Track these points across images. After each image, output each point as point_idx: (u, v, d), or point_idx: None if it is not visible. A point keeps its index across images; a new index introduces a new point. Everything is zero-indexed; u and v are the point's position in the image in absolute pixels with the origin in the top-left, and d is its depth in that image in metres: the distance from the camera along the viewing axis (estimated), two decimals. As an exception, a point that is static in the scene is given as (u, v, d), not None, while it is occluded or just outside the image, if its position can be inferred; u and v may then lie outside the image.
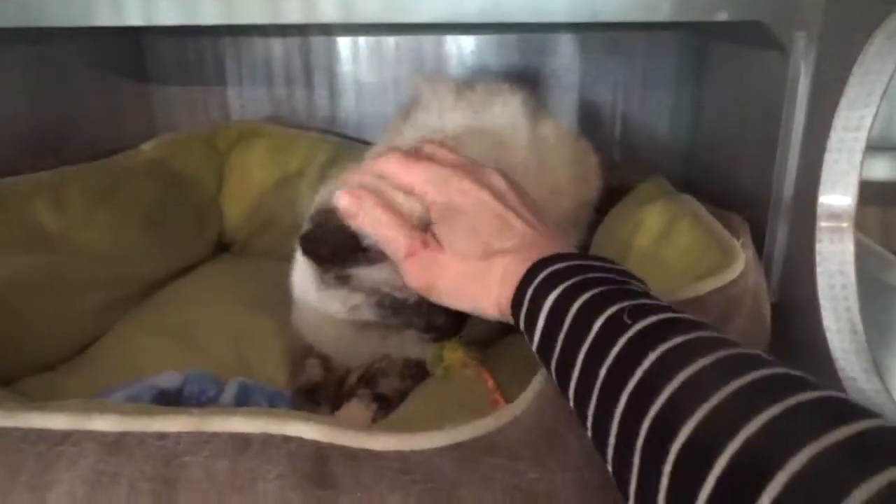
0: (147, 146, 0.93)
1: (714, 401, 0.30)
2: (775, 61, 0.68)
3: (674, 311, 0.38)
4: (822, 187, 0.59)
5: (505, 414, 0.42)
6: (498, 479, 0.38)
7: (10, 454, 0.38)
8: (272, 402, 0.64)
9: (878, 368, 0.58)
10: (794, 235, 0.67)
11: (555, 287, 0.41)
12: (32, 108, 0.90)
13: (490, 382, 0.63)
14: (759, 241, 0.70)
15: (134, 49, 1.14)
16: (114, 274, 0.81)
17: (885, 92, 0.53)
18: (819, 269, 0.61)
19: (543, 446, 0.40)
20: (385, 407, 0.64)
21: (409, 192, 0.52)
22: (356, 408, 0.64)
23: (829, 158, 0.58)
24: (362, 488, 0.37)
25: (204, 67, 1.16)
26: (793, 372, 0.31)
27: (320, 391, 0.67)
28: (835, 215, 0.60)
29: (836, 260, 0.61)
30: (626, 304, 0.38)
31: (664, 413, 0.32)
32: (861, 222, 0.61)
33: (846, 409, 0.29)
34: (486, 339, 0.67)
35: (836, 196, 0.59)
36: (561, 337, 0.40)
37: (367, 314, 0.60)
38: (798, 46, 0.63)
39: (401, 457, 0.39)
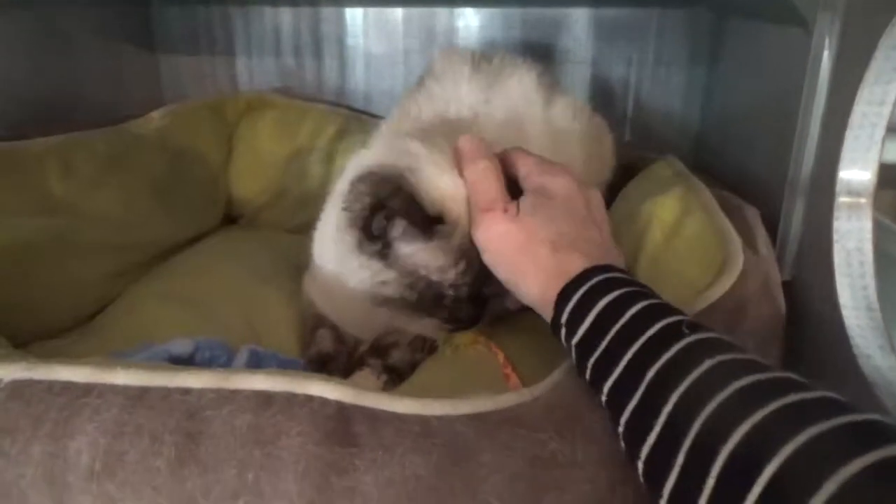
0: (156, 114, 0.92)
1: (764, 412, 0.32)
2: (796, 38, 0.67)
3: (723, 334, 0.40)
4: (842, 163, 0.58)
5: (527, 393, 0.42)
6: (519, 448, 0.38)
7: (33, 405, 0.38)
8: (284, 369, 0.64)
9: (893, 345, 0.57)
10: (811, 213, 0.66)
11: (611, 291, 0.44)
12: (39, 76, 0.89)
13: (501, 356, 0.63)
14: (773, 220, 0.70)
15: (142, 18, 1.13)
16: (122, 240, 0.80)
17: (911, 66, 0.53)
18: (836, 247, 0.61)
19: (565, 422, 0.40)
20: (395, 378, 0.64)
21: (510, 170, 0.56)
22: (366, 377, 0.64)
23: (851, 134, 0.57)
24: (384, 448, 0.36)
25: (213, 37, 1.15)
26: (834, 396, 0.33)
27: (331, 361, 0.67)
28: (854, 191, 0.59)
29: (853, 237, 0.60)
30: (682, 318, 0.40)
31: (716, 418, 0.33)
32: (878, 204, 0.60)
33: (881, 432, 0.30)
34: (496, 315, 0.67)
35: (856, 171, 0.58)
36: (612, 333, 0.41)
37: (393, 292, 0.60)
38: (822, 22, 0.62)
39: (422, 420, 0.39)
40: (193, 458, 0.36)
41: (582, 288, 0.45)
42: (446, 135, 0.61)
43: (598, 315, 0.43)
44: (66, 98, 0.94)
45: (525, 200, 0.52)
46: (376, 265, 0.59)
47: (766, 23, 0.79)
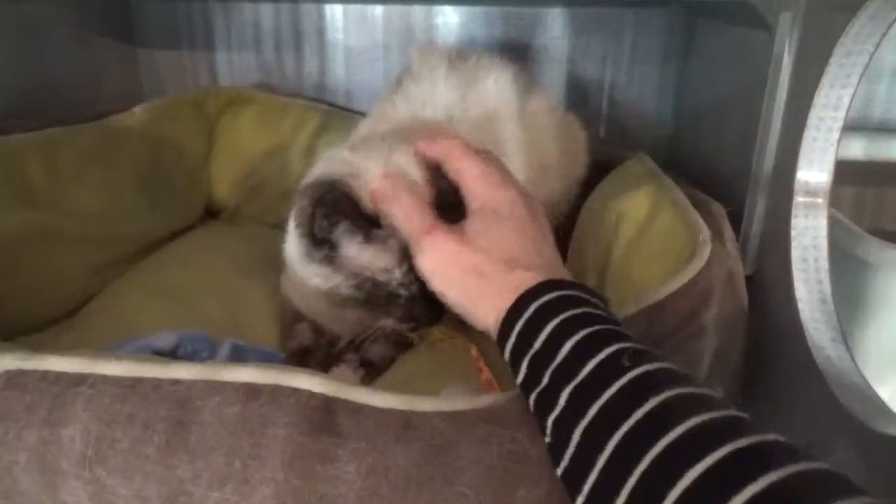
0: (137, 108, 0.92)
1: (714, 458, 0.31)
2: (761, 40, 0.69)
3: (663, 361, 0.38)
4: (800, 164, 0.61)
5: (503, 396, 0.43)
6: (494, 444, 0.40)
7: (27, 393, 0.39)
8: (265, 362, 0.65)
9: (844, 337, 0.60)
10: (772, 211, 0.69)
11: (554, 316, 0.41)
12: (17, 70, 0.89)
13: (474, 350, 0.65)
14: (739, 217, 0.72)
15: (121, 12, 1.12)
16: (105, 234, 0.81)
17: (864, 73, 0.55)
18: (793, 243, 0.63)
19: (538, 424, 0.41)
20: (372, 372, 0.66)
21: (454, 177, 0.53)
22: (344, 372, 0.66)
23: (808, 136, 0.60)
24: (366, 438, 0.38)
25: (193, 32, 1.15)
26: (787, 442, 0.32)
27: (311, 355, 0.69)
28: (811, 191, 0.62)
29: (810, 234, 0.63)
30: (624, 346, 0.38)
31: (663, 460, 0.32)
32: (836, 200, 0.63)
33: (839, 486, 0.30)
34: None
35: (813, 173, 0.61)
36: (552, 367, 0.40)
37: (346, 292, 0.61)
38: (783, 26, 0.64)
39: (403, 415, 0.40)
40: (183, 446, 0.38)
41: (522, 317, 0.43)
42: (419, 137, 0.61)
43: (536, 353, 0.41)
44: (45, 92, 0.93)
45: (473, 219, 0.50)
46: (325, 270, 0.60)
47: (734, 25, 0.82)
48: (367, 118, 0.78)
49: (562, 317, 0.41)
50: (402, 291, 0.59)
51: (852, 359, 0.59)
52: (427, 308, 0.59)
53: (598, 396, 0.36)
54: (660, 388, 0.35)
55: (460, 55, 0.80)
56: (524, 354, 0.42)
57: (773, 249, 0.68)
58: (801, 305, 0.62)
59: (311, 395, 0.40)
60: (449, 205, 0.53)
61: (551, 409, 0.38)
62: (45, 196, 0.75)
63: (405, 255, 0.57)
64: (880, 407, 0.55)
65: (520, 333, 0.43)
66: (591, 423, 0.36)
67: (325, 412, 0.39)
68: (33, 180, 0.74)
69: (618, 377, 0.36)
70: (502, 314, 0.44)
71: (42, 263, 0.72)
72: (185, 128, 0.99)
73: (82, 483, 0.38)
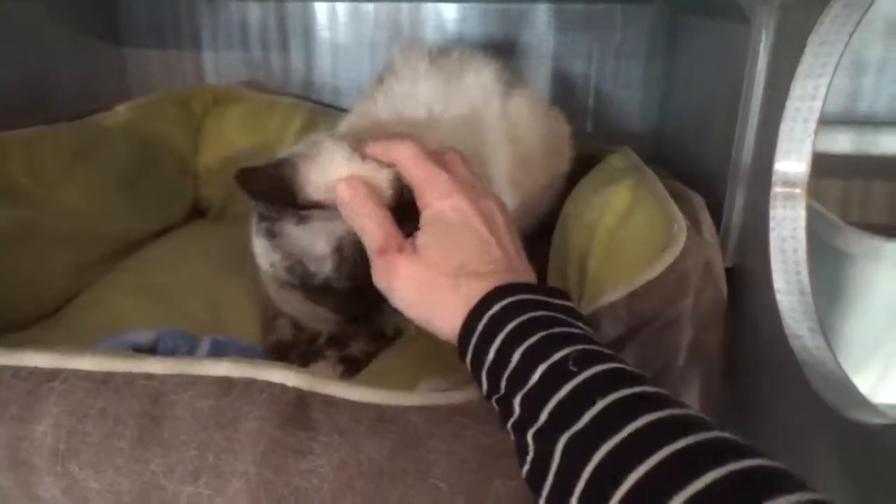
0: (122, 107, 0.92)
1: (657, 458, 0.31)
2: (741, 34, 0.69)
3: (615, 361, 0.39)
4: (778, 155, 0.61)
5: (476, 391, 0.43)
6: (468, 437, 0.40)
7: (1, 389, 0.39)
8: (245, 357, 0.65)
9: (822, 328, 0.60)
10: (751, 203, 0.69)
11: (506, 323, 0.42)
12: (3, 68, 0.88)
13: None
14: (721, 210, 0.72)
15: (108, 10, 1.12)
16: (88, 232, 0.80)
17: (839, 62, 0.55)
18: (772, 234, 0.63)
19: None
20: (352, 369, 0.65)
21: (407, 182, 0.53)
22: (323, 369, 0.65)
23: (785, 127, 0.60)
24: (339, 431, 0.38)
25: (179, 30, 1.14)
26: (730, 437, 0.33)
27: (290, 350, 0.68)
28: (789, 182, 0.62)
29: (788, 225, 0.63)
30: (573, 349, 0.39)
31: (606, 464, 0.33)
32: (822, 193, 0.63)
33: (782, 481, 0.30)
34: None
35: (791, 163, 0.61)
36: (504, 377, 0.40)
37: (282, 275, 0.60)
38: (760, 18, 0.64)
39: (377, 409, 0.40)
40: (156, 440, 0.37)
41: (475, 332, 0.43)
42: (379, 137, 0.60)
43: (490, 364, 0.41)
44: (31, 90, 0.93)
45: (421, 232, 0.50)
46: (265, 245, 0.60)
47: (715, 18, 0.82)
48: (348, 116, 0.78)
49: (512, 324, 0.41)
50: (333, 284, 0.58)
51: (830, 349, 0.59)
52: (358, 305, 0.57)
53: (546, 402, 0.37)
54: (605, 391, 0.36)
55: (442, 51, 0.79)
56: (481, 367, 0.42)
57: (753, 241, 0.68)
58: (779, 296, 0.62)
59: (284, 388, 0.40)
60: (412, 209, 0.52)
61: (510, 415, 0.39)
62: (28, 194, 0.74)
63: (339, 248, 0.56)
64: (858, 398, 0.55)
65: (475, 347, 0.43)
66: (542, 428, 0.37)
67: (299, 406, 0.39)
68: (15, 178, 0.74)
69: (566, 381, 0.37)
70: (457, 330, 0.45)
71: (24, 262, 0.72)
72: (170, 126, 0.98)
73: (55, 478, 0.37)
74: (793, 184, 0.62)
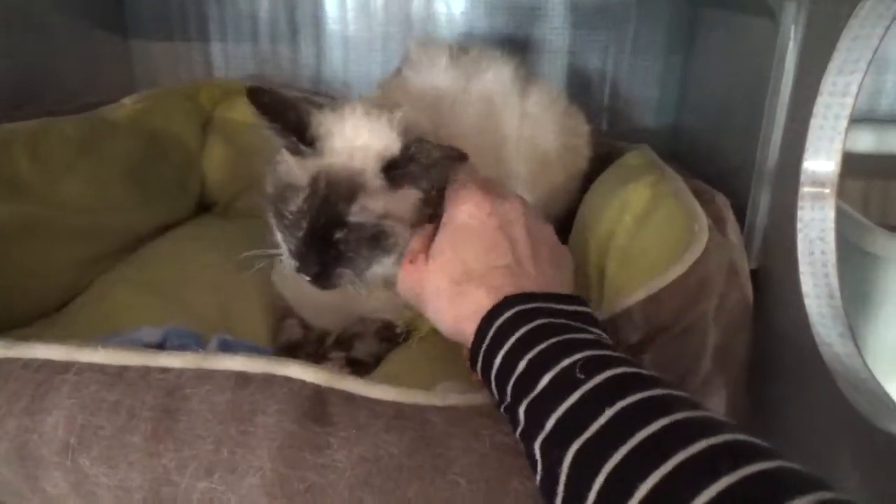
0: (128, 100, 0.92)
1: (670, 465, 0.31)
2: (765, 28, 0.69)
3: (627, 365, 0.38)
4: (807, 153, 0.61)
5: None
6: (486, 436, 0.40)
7: (10, 381, 0.39)
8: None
9: (853, 333, 0.59)
10: (777, 203, 0.68)
11: (513, 333, 0.42)
12: (9, 59, 0.89)
13: (465, 351, 0.64)
14: (742, 209, 0.72)
15: (114, 2, 1.12)
16: (93, 226, 0.81)
17: (872, 58, 0.55)
18: (800, 236, 0.63)
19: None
20: (359, 371, 0.65)
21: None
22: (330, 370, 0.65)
23: (815, 124, 0.60)
24: (358, 427, 0.38)
25: (186, 22, 1.15)
26: (747, 439, 0.33)
27: (299, 351, 0.69)
28: (818, 181, 0.62)
29: (816, 227, 0.63)
30: (580, 357, 0.39)
31: (619, 471, 0.33)
32: (843, 193, 0.63)
33: (799, 481, 0.30)
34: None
35: (820, 162, 0.61)
36: (510, 384, 0.40)
37: (270, 193, 0.62)
38: (788, 12, 0.64)
39: (396, 406, 0.40)
40: (170, 434, 0.37)
41: (486, 337, 0.44)
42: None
43: (498, 369, 0.42)
44: (37, 82, 0.93)
45: (436, 241, 0.53)
46: (273, 173, 0.63)
47: (738, 14, 0.82)
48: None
49: (520, 332, 0.42)
50: (303, 224, 0.59)
51: (861, 355, 0.59)
52: (312, 252, 0.58)
53: (553, 410, 0.37)
54: (615, 397, 0.36)
55: (461, 48, 0.80)
56: (489, 375, 0.43)
57: (778, 243, 0.67)
58: (807, 300, 0.62)
59: (303, 384, 0.40)
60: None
61: (517, 424, 0.39)
62: (32, 187, 0.75)
63: (314, 181, 0.58)
64: (890, 405, 0.55)
65: (484, 355, 0.44)
66: (549, 436, 0.37)
67: (317, 402, 0.39)
68: (20, 171, 0.74)
69: (574, 388, 0.37)
70: (470, 338, 0.46)
71: (28, 256, 0.72)
72: (177, 120, 0.99)
73: (64, 472, 0.37)
74: (822, 183, 0.62)
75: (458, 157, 0.55)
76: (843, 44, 0.55)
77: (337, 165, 0.58)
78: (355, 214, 0.57)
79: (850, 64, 0.56)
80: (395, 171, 0.58)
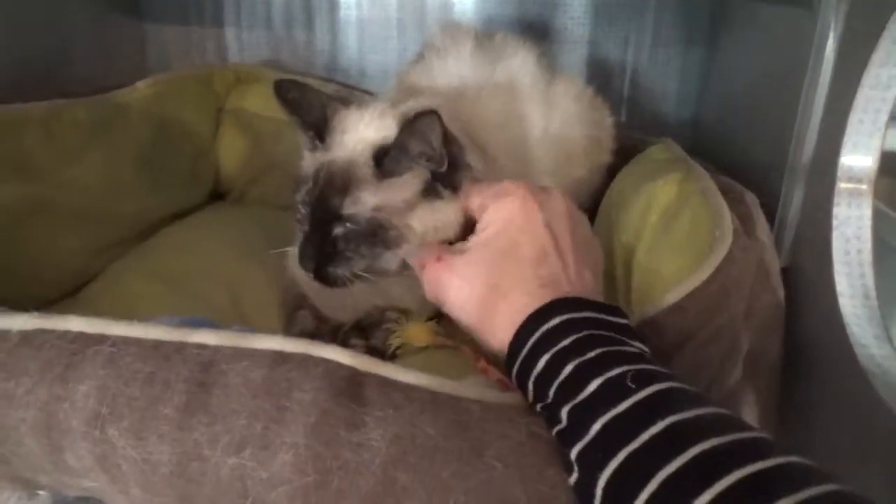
0: (141, 84, 0.92)
1: (725, 483, 0.31)
2: (800, 19, 0.69)
3: (674, 381, 0.39)
4: (844, 148, 0.60)
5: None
6: (522, 424, 0.41)
7: (44, 350, 0.39)
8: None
9: (889, 335, 0.59)
10: (810, 200, 0.68)
11: (555, 343, 0.42)
12: (23, 42, 0.90)
13: (467, 351, 0.63)
14: (771, 206, 0.72)
15: (128, -15, 1.13)
16: (105, 210, 0.81)
17: (918, 50, 0.55)
18: (835, 234, 0.63)
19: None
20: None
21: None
22: None
23: (854, 118, 0.59)
24: (394, 407, 0.38)
25: (201, 6, 1.15)
26: (796, 461, 0.33)
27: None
28: (854, 177, 0.61)
29: (853, 224, 0.62)
30: (629, 369, 0.39)
31: (672, 484, 0.33)
32: (879, 192, 0.62)
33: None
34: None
35: (858, 157, 0.61)
36: (552, 387, 0.40)
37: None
38: (828, 3, 0.64)
39: (431, 392, 0.41)
40: (203, 408, 0.37)
41: (528, 342, 0.44)
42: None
43: (542, 370, 0.42)
44: (50, 65, 0.94)
45: (469, 240, 0.52)
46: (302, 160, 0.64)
47: (769, 4, 0.82)
48: (384, 94, 0.78)
49: (569, 339, 0.42)
50: (305, 218, 0.60)
51: (898, 357, 0.58)
52: (308, 243, 0.59)
53: (600, 415, 0.37)
54: (666, 411, 0.36)
55: (486, 33, 0.80)
56: (528, 376, 0.43)
57: (811, 241, 0.67)
58: (842, 301, 0.62)
59: (339, 365, 0.40)
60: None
61: (556, 423, 0.40)
62: (43, 169, 0.75)
63: (316, 173, 0.59)
64: (929, 409, 0.54)
65: (524, 359, 0.44)
66: (593, 441, 0.37)
67: (353, 383, 0.40)
68: (32, 153, 0.75)
69: (625, 397, 0.37)
70: (504, 344, 0.46)
71: (40, 238, 0.72)
72: (190, 105, 0.99)
73: (91, 443, 0.37)
74: (859, 179, 0.62)
75: (447, 137, 0.56)
76: (889, 35, 0.55)
77: (336, 159, 0.59)
78: (348, 207, 0.57)
79: (895, 56, 0.56)
80: (385, 158, 0.57)
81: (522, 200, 0.51)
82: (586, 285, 0.50)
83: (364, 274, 0.59)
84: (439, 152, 0.55)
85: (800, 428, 0.68)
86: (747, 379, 0.60)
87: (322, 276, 0.59)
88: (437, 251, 0.52)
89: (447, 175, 0.57)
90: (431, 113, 0.53)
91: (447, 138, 0.56)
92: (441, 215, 0.58)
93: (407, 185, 0.58)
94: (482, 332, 0.48)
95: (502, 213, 0.51)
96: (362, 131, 0.60)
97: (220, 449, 0.36)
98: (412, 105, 0.62)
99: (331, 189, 0.58)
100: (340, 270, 0.59)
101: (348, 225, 0.58)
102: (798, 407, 0.68)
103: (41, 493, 0.44)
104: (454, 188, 0.58)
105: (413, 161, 0.57)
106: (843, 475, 0.32)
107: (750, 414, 0.61)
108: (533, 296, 0.46)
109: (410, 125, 0.55)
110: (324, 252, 0.58)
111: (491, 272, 0.48)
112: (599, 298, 0.50)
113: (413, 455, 0.37)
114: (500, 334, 0.46)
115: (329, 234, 0.58)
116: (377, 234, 0.58)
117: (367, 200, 0.57)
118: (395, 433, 0.37)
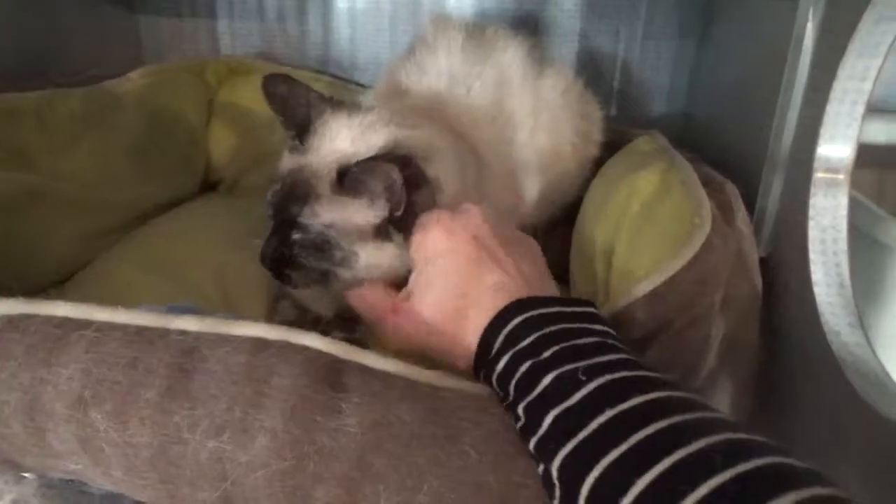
0: (134, 74, 0.92)
1: (667, 463, 0.33)
2: (783, 9, 0.69)
3: (631, 367, 0.40)
4: (821, 138, 0.61)
5: None
6: (496, 414, 0.42)
7: (28, 335, 0.40)
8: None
9: (862, 323, 0.60)
10: (789, 190, 0.69)
11: (517, 343, 0.43)
12: (16, 32, 0.89)
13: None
14: (752, 196, 0.72)
15: (121, -24, 1.13)
16: (96, 200, 0.81)
17: (893, 42, 0.55)
18: (811, 223, 0.63)
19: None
20: None
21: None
22: None
23: (831, 109, 0.60)
24: (372, 394, 0.39)
25: (194, -2, 1.15)
26: (745, 437, 0.34)
27: None
28: (832, 168, 0.62)
29: (829, 214, 0.63)
30: (578, 365, 0.40)
31: (614, 469, 0.34)
32: (856, 183, 0.63)
33: (792, 477, 0.31)
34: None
35: (835, 147, 0.61)
36: (511, 385, 0.42)
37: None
38: (807, -6, 0.64)
39: (409, 381, 0.42)
40: (185, 392, 0.38)
41: (487, 356, 0.45)
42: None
43: (501, 372, 0.43)
44: (44, 55, 0.93)
45: (410, 282, 0.53)
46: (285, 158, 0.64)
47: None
48: (376, 86, 0.78)
49: (526, 341, 0.43)
50: (268, 208, 0.60)
51: (870, 346, 0.59)
52: (266, 250, 0.59)
53: (550, 410, 0.39)
54: (613, 399, 0.37)
55: (477, 27, 0.80)
56: (491, 377, 0.44)
57: (788, 231, 0.68)
58: (817, 289, 0.62)
59: (319, 353, 0.41)
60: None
61: (517, 420, 0.41)
62: (37, 157, 0.75)
63: (282, 186, 0.59)
64: (900, 397, 0.55)
65: (488, 363, 0.45)
66: (545, 436, 0.38)
67: (332, 370, 0.40)
68: (25, 142, 0.75)
69: (574, 390, 0.38)
70: (471, 361, 0.47)
71: (33, 225, 0.72)
72: (183, 96, 0.99)
73: (74, 426, 0.38)
74: (836, 170, 0.62)
75: (418, 183, 0.55)
76: (865, 25, 0.55)
77: (307, 165, 0.59)
78: (306, 217, 0.57)
79: (871, 48, 0.56)
80: (346, 176, 0.56)
81: (439, 227, 0.52)
82: (530, 278, 0.50)
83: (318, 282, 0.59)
84: (398, 198, 0.54)
85: (775, 414, 0.69)
86: (724, 366, 0.60)
87: (280, 276, 0.60)
88: (388, 301, 0.54)
89: (402, 220, 0.56)
90: (396, 160, 0.53)
91: (417, 181, 0.55)
92: (388, 258, 0.58)
93: (361, 212, 0.57)
94: (458, 357, 0.49)
95: (426, 246, 0.53)
96: (339, 141, 0.59)
97: (199, 432, 0.37)
98: (393, 132, 0.60)
99: (293, 195, 0.58)
100: (295, 275, 0.59)
101: (302, 234, 0.57)
102: (774, 394, 0.69)
103: (27, 475, 0.45)
104: (407, 233, 0.57)
105: (372, 193, 0.56)
106: (817, 460, 0.33)
107: (726, 400, 0.62)
108: (489, 308, 0.47)
109: (374, 164, 0.54)
110: (282, 254, 0.58)
111: (443, 302, 0.49)
112: (550, 285, 0.52)
113: (389, 441, 0.38)
114: (463, 355, 0.48)
115: (288, 237, 0.58)
116: (324, 250, 0.57)
117: (320, 214, 0.57)
118: (373, 420, 0.38)
